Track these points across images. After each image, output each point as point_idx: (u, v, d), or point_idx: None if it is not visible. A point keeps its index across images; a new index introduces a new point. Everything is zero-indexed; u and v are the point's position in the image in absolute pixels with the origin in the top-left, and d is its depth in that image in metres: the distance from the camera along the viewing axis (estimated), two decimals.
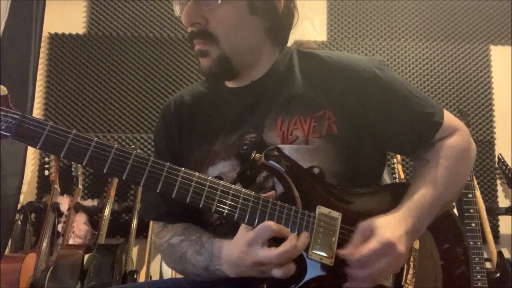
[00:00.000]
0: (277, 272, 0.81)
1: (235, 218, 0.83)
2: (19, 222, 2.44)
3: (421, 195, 0.93)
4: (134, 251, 2.50)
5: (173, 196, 0.82)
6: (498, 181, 2.69)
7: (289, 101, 0.98)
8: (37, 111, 2.65)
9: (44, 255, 2.29)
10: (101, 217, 2.43)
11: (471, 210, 2.17)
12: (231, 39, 0.96)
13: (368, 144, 0.99)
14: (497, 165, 2.65)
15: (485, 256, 2.23)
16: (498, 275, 2.21)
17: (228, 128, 1.01)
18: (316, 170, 0.93)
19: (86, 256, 2.25)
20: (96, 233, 2.39)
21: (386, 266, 0.83)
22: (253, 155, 0.88)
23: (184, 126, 1.07)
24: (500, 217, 2.62)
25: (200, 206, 0.82)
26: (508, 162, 2.58)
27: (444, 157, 0.98)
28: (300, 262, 0.85)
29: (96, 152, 0.80)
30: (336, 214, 0.87)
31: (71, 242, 2.37)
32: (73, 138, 0.79)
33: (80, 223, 2.45)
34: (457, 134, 1.02)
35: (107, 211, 2.42)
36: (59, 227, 2.43)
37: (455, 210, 2.22)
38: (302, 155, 0.93)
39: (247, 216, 0.83)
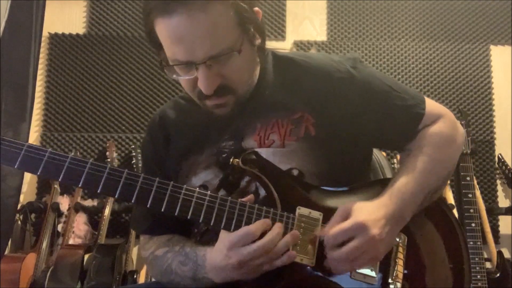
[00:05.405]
0: (278, 262, 0.81)
1: (211, 224, 0.83)
2: (19, 222, 2.44)
3: (402, 184, 0.92)
4: (134, 251, 2.50)
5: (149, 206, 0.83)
6: (498, 181, 2.69)
7: (266, 107, 0.98)
8: (37, 111, 2.63)
9: (44, 255, 2.29)
10: (101, 217, 2.43)
11: (471, 210, 2.17)
12: (244, 81, 0.95)
13: (349, 143, 0.98)
14: (497, 165, 2.65)
15: (485, 256, 2.22)
16: (498, 275, 2.20)
17: (212, 139, 1.01)
18: (295, 172, 0.93)
19: (86, 256, 2.26)
20: (96, 233, 2.39)
21: (359, 248, 0.82)
22: (231, 160, 0.89)
23: (171, 140, 1.07)
24: (500, 217, 2.62)
25: (176, 214, 0.83)
26: (508, 162, 2.58)
27: (426, 145, 0.97)
28: None
29: (91, 174, 0.82)
30: (317, 214, 0.87)
31: (71, 242, 2.37)
32: (70, 162, 0.82)
33: (80, 223, 2.45)
34: (440, 121, 1.00)
35: (107, 211, 2.42)
36: (59, 227, 2.43)
37: (455, 211, 2.22)
38: (279, 157, 0.93)
39: (223, 222, 0.83)
